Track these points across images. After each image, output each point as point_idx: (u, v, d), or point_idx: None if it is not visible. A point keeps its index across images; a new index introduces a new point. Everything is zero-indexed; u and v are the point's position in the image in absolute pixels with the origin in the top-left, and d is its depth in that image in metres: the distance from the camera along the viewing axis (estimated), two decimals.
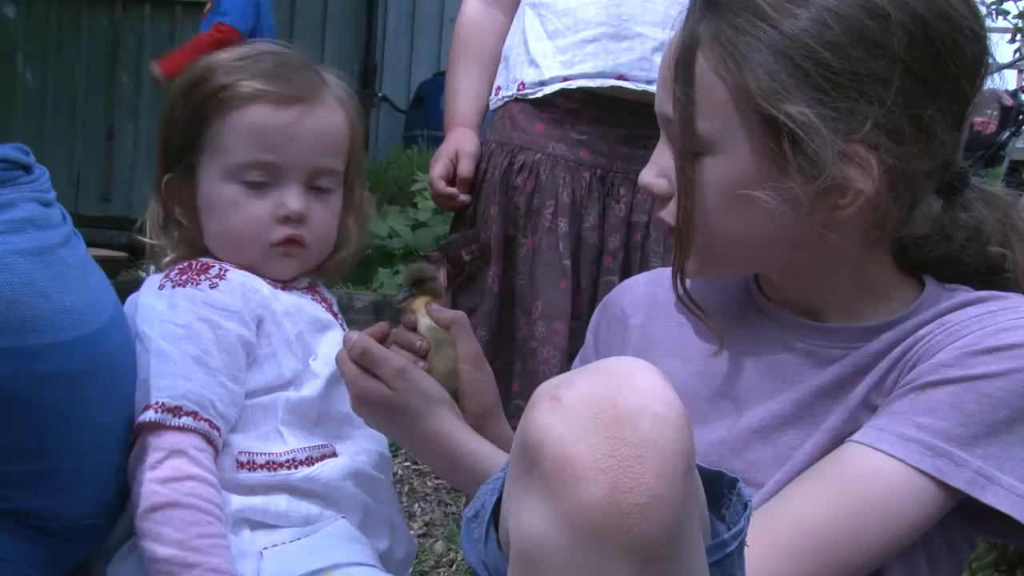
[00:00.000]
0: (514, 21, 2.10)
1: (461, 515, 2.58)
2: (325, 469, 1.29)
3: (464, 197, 2.03)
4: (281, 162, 1.34)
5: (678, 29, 1.10)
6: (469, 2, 2.15)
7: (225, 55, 1.39)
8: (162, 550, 1.18)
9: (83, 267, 1.21)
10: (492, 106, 2.11)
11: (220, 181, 1.35)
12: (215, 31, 5.63)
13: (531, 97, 2.00)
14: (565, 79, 1.94)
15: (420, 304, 1.27)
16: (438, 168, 2.05)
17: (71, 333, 1.14)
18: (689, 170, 1.07)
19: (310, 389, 1.31)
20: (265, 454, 1.27)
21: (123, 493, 1.26)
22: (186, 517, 1.19)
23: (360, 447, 1.35)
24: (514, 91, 2.03)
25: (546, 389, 0.81)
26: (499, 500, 0.89)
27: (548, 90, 1.97)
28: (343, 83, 1.43)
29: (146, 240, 1.40)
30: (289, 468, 1.27)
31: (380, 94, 7.95)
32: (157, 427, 1.22)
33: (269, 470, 1.27)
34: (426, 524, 2.66)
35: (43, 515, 1.18)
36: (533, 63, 1.99)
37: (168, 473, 1.20)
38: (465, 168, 2.02)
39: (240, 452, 1.27)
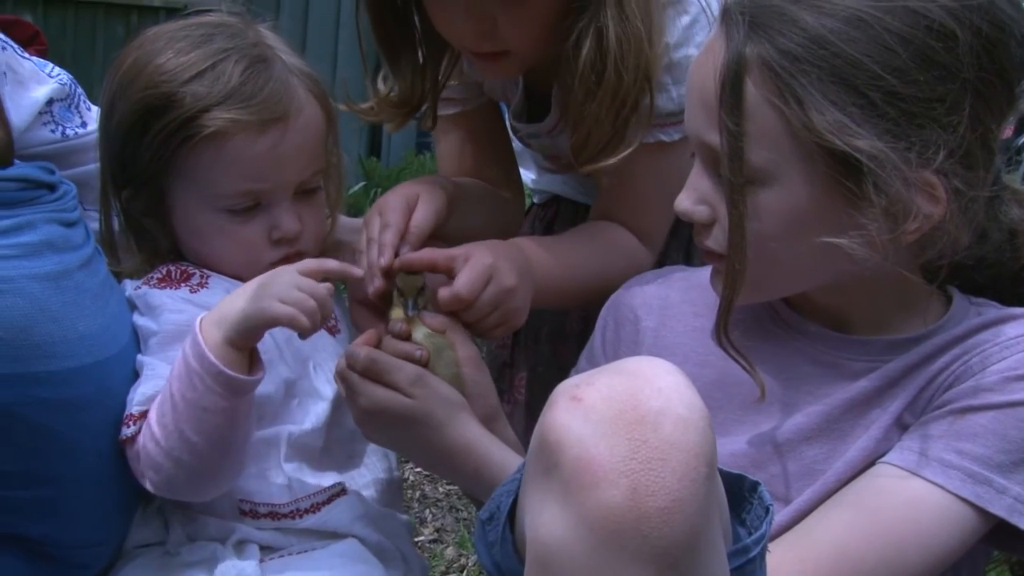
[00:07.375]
0: None
1: (472, 520, 2.56)
2: (332, 515, 1.22)
3: None
4: (268, 187, 1.23)
5: (714, 47, 1.02)
6: None
7: (171, 61, 1.21)
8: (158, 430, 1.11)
9: (102, 290, 1.17)
10: None
11: (200, 209, 1.24)
12: None
13: None
14: None
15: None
16: None
17: (83, 360, 1.11)
18: (740, 203, 1.01)
19: (315, 418, 1.24)
20: (267, 504, 1.21)
21: (128, 519, 1.22)
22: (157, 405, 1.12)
23: (371, 472, 1.29)
24: None
25: (565, 388, 0.79)
26: (515, 502, 0.88)
27: None
28: (301, 63, 1.28)
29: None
30: (293, 518, 1.21)
31: None
32: (131, 443, 1.15)
33: (273, 519, 1.21)
34: (437, 530, 2.64)
35: (45, 541, 1.15)
36: None
37: (142, 441, 1.13)
38: None
39: (242, 500, 1.20)
